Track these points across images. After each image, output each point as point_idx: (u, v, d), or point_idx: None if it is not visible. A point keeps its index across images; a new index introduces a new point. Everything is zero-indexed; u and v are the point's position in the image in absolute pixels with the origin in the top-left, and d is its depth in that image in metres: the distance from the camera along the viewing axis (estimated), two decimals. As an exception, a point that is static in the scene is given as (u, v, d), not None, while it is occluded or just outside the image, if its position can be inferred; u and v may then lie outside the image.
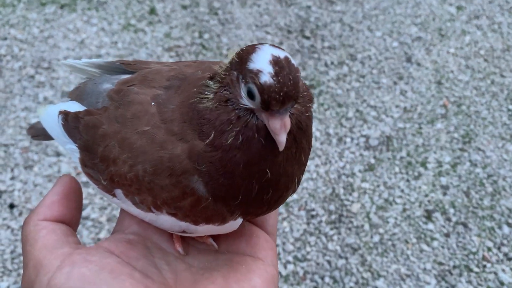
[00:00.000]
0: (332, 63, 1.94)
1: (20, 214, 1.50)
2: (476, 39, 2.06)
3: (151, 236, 0.47)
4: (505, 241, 1.49)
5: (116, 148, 0.43)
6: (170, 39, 2.00)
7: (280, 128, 0.37)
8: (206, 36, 2.03)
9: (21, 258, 1.42)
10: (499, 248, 1.47)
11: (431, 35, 2.07)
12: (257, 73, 0.37)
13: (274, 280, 0.44)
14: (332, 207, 1.54)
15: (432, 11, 2.17)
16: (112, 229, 0.49)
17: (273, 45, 0.39)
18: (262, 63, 0.37)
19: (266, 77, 0.37)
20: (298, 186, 0.44)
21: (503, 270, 1.42)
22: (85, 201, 1.49)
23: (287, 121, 0.38)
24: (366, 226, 1.50)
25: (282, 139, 0.37)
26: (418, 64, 1.96)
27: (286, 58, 0.38)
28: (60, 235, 0.43)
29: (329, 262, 1.43)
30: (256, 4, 2.18)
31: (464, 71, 1.94)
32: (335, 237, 1.48)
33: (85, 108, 0.49)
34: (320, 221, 1.51)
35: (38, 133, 0.60)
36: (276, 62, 0.37)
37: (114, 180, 0.43)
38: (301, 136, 0.41)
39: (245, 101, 0.39)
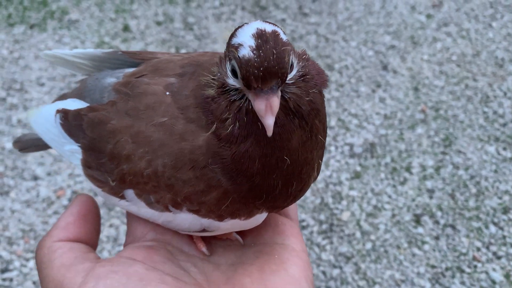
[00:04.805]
0: (310, 73, 1.95)
1: (-2, 243, 1.42)
2: (447, 45, 2.12)
3: (170, 240, 0.44)
4: (492, 240, 1.51)
5: (129, 144, 0.39)
6: (146, 55, 1.97)
7: (266, 109, 0.33)
8: (183, 51, 2.01)
9: (1, 289, 1.33)
10: (487, 248, 1.49)
11: (404, 43, 2.12)
12: (237, 47, 0.34)
13: (309, 266, 0.42)
14: (322, 217, 1.53)
15: (404, 20, 2.22)
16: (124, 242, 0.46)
17: (266, 21, 0.36)
18: (244, 36, 0.34)
19: (246, 51, 0.33)
20: (318, 174, 0.41)
21: (494, 269, 1.44)
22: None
23: (274, 101, 0.33)
24: (358, 234, 1.50)
25: (268, 121, 0.33)
26: (394, 72, 2.00)
27: (274, 32, 0.34)
28: (78, 252, 0.40)
29: (323, 272, 1.41)
30: (231, 18, 2.18)
31: (439, 76, 1.99)
32: (327, 247, 1.46)
33: (87, 105, 0.45)
34: (312, 232, 1.50)
35: (27, 145, 0.55)
36: (260, 35, 0.34)
37: (126, 180, 0.40)
38: (312, 117, 0.37)
39: (231, 81, 0.36)
